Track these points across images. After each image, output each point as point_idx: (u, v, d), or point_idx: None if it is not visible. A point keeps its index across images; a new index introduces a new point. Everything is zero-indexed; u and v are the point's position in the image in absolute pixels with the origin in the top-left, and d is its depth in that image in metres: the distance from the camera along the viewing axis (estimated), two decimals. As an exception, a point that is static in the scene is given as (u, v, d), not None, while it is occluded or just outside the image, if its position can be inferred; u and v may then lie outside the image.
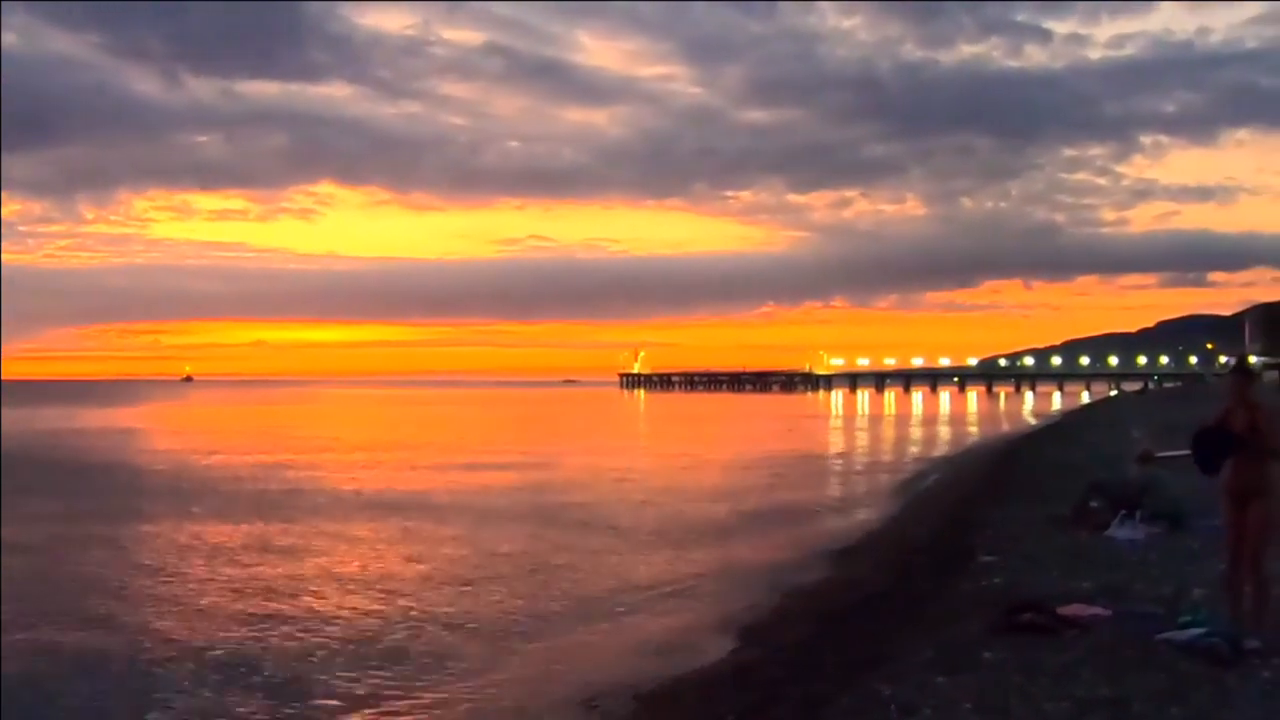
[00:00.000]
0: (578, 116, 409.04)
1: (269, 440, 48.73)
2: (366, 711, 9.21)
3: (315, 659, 10.78)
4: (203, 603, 13.48)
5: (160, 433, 57.35)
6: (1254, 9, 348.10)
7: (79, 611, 13.06)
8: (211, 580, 14.96)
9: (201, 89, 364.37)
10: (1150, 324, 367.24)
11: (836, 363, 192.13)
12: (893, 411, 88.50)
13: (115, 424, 65.32)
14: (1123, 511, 12.69)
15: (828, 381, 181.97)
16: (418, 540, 18.62)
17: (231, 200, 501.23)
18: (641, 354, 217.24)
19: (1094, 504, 13.46)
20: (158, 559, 16.76)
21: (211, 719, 9.05)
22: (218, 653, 11.02)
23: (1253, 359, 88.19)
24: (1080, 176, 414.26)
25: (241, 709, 9.24)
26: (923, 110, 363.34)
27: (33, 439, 48.66)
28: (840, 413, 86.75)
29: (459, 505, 23.72)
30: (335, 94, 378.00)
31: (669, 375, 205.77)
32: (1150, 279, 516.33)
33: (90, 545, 18.08)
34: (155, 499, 24.94)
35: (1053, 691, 6.50)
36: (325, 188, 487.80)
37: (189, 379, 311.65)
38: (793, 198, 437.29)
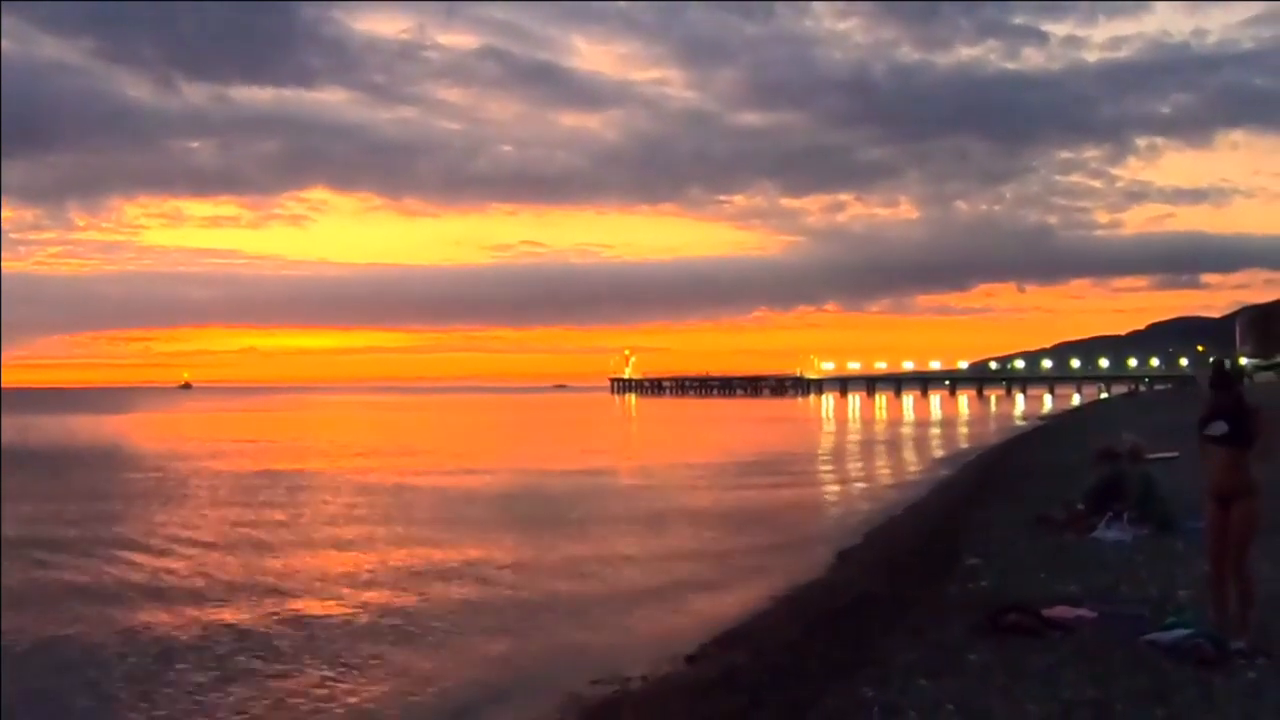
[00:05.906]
0: (572, 121, 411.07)
1: (283, 447, 48.50)
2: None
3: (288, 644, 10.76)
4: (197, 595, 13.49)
5: (175, 439, 57.01)
6: (1250, 10, 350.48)
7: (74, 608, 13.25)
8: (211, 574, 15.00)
9: (194, 94, 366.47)
10: (1141, 326, 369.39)
11: (828, 367, 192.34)
12: (883, 415, 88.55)
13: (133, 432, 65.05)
14: (1110, 513, 12.68)
15: (819, 386, 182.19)
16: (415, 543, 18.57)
17: (224, 206, 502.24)
18: (633, 359, 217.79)
19: (1080, 506, 13.45)
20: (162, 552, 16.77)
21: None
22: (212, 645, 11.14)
23: (1243, 361, 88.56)
24: (1075, 179, 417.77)
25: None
26: (918, 113, 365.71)
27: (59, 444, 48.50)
28: (830, 417, 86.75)
29: (445, 506, 23.64)
30: (329, 99, 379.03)
31: (660, 380, 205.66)
32: (1142, 281, 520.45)
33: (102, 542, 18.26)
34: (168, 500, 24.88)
35: (1037, 693, 6.49)
36: (318, 193, 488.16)
37: (187, 386, 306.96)
38: (786, 201, 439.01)
